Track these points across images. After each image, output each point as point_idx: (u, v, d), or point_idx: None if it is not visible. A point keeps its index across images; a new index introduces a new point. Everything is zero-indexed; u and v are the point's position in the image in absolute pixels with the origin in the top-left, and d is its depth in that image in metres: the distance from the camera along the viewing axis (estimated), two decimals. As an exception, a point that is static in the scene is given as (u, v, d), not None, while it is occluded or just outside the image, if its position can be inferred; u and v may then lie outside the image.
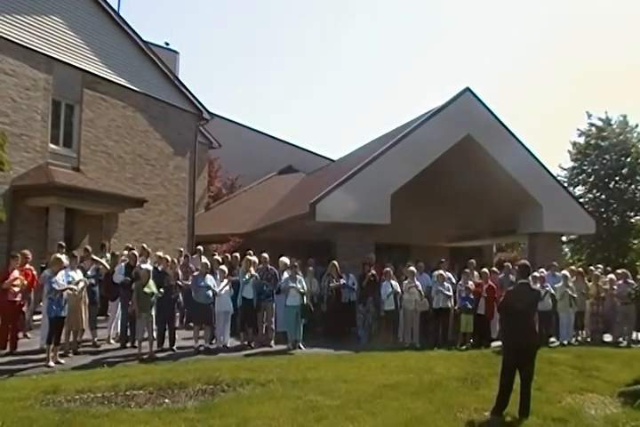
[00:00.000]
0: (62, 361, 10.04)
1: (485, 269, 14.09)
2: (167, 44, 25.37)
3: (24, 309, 11.51)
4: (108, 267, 12.03)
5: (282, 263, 12.93)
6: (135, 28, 19.06)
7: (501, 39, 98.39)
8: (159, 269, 11.88)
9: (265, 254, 13.14)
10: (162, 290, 11.19)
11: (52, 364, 9.72)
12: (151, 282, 10.96)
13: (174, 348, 11.55)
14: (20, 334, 11.49)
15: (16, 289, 10.70)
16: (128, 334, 11.70)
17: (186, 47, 78.96)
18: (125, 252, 12.78)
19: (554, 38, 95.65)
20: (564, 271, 14.76)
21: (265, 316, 12.68)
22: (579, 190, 34.10)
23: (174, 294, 11.97)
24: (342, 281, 13.69)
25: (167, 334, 11.70)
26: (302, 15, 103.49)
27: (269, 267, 12.98)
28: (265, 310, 12.63)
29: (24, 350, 10.77)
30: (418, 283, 13.34)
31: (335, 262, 13.92)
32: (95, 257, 12.09)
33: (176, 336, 11.83)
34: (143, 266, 11.60)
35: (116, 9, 19.09)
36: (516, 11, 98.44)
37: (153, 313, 10.96)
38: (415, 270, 13.62)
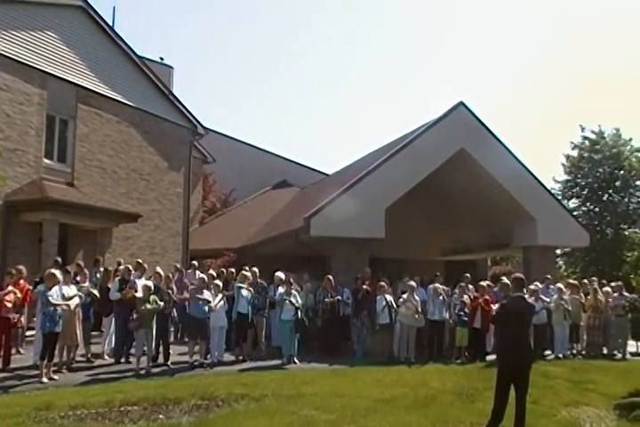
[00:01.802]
0: (56, 377, 9.96)
1: (483, 283, 14.10)
2: (162, 58, 25.57)
3: (19, 324, 11.45)
4: (98, 296, 11.85)
5: (277, 278, 12.91)
6: (130, 43, 19.22)
7: (498, 53, 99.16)
8: (153, 283, 11.86)
9: (255, 268, 13.18)
10: (162, 303, 11.17)
11: (45, 380, 9.64)
12: (152, 297, 10.95)
13: (169, 363, 11.50)
14: (14, 350, 11.42)
15: (9, 305, 10.65)
16: (122, 349, 11.67)
17: (180, 62, 79.48)
18: (121, 267, 12.71)
19: (550, 51, 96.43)
20: (559, 284, 14.78)
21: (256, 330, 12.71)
22: (572, 203, 34.26)
23: (167, 310, 11.93)
24: (337, 297, 13.67)
25: (161, 349, 11.67)
26: (297, 31, 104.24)
27: (259, 281, 13.08)
28: (256, 324, 12.64)
29: (17, 367, 10.67)
30: (417, 298, 13.33)
31: (330, 277, 13.91)
32: (92, 291, 11.80)
33: (170, 351, 11.79)
34: (141, 282, 11.61)
35: (111, 24, 19.23)
36: (514, 24, 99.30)
37: (153, 329, 10.96)
38: (414, 285, 13.61)
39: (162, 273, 12.40)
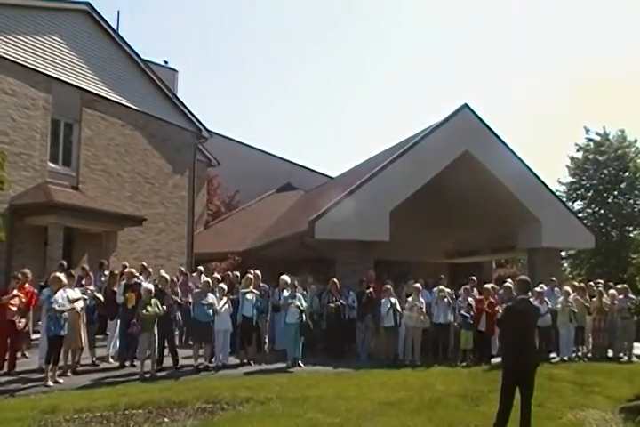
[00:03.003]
0: (61, 380, 9.98)
1: (487, 285, 14.08)
2: (166, 62, 25.64)
3: (25, 329, 11.47)
4: (102, 300, 11.85)
5: (282, 281, 12.91)
6: (134, 47, 19.31)
7: (502, 55, 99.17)
8: (159, 287, 11.87)
9: (257, 271, 13.18)
10: (164, 307, 11.16)
11: (50, 383, 9.67)
12: (154, 301, 10.94)
13: (177, 366, 11.47)
14: (19, 354, 11.45)
15: (14, 309, 10.67)
16: (127, 352, 11.67)
17: (185, 65, 79.57)
18: (127, 271, 12.72)
19: (553, 53, 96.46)
20: (566, 287, 14.75)
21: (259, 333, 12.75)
22: (577, 205, 34.09)
23: (172, 314, 11.91)
24: (342, 301, 13.65)
25: (167, 352, 11.64)
26: (302, 34, 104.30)
27: (261, 284, 13.08)
28: (260, 327, 12.68)
29: (22, 370, 10.70)
30: (422, 300, 13.34)
31: (335, 280, 13.90)
32: (97, 295, 11.83)
33: (178, 355, 11.77)
34: (144, 284, 11.60)
35: (116, 28, 19.30)
36: (517, 26, 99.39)
37: (155, 332, 10.94)
38: (420, 287, 13.61)
39: (167, 277, 12.40)
